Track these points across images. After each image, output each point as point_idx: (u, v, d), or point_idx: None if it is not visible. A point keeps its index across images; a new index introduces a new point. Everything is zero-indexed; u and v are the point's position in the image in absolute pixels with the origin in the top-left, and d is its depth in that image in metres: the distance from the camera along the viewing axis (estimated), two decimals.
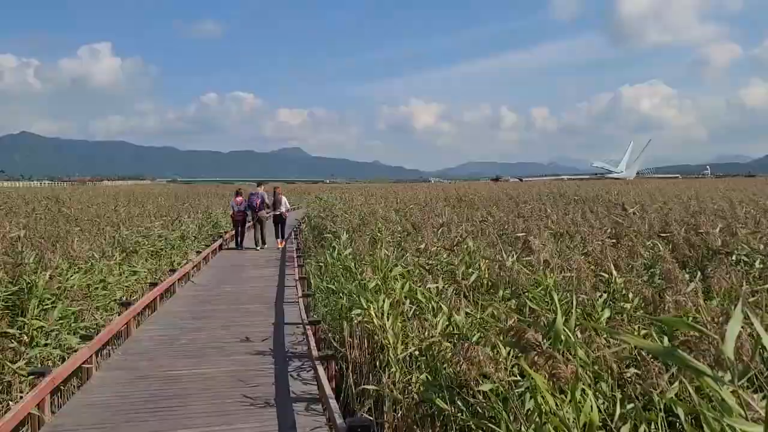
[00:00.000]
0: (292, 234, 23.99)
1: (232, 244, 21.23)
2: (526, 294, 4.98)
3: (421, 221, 14.37)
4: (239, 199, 20.32)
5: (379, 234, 13.96)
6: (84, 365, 7.29)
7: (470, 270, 7.40)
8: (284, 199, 20.88)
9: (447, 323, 5.06)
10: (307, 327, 8.25)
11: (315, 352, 6.94)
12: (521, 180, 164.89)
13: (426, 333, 5.22)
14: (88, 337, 7.74)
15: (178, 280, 13.76)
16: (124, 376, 7.53)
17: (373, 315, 5.88)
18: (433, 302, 5.73)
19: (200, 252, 17.22)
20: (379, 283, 7.07)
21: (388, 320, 5.53)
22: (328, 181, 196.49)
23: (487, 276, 6.90)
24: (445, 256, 8.67)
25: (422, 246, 9.14)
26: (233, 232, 21.16)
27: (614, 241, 10.43)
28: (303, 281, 12.30)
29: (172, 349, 8.69)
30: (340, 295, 8.67)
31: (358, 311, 7.04)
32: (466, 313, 5.09)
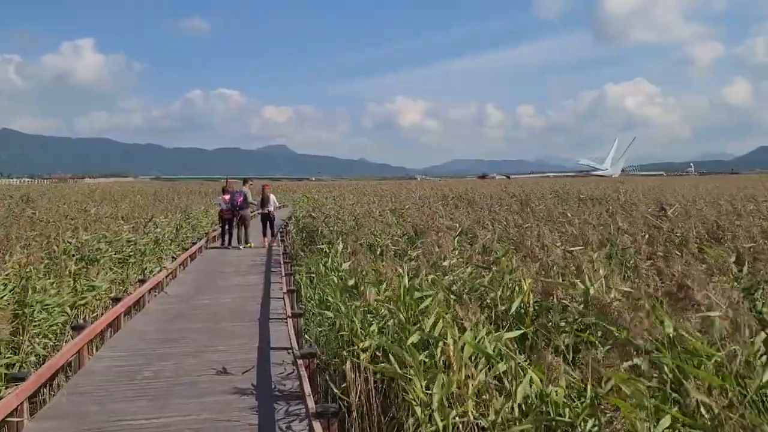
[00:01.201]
0: (279, 235, 22.63)
1: (218, 243, 20.41)
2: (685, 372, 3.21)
3: (423, 224, 12.80)
4: (227, 196, 19.38)
5: (378, 239, 12.39)
6: (10, 418, 5.64)
7: (504, 292, 5.80)
8: (272, 197, 20.18)
9: (530, 395, 3.46)
10: (299, 362, 6.63)
11: (311, 404, 5.33)
12: (508, 177, 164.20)
13: (486, 396, 3.62)
14: (19, 378, 6.07)
15: (150, 290, 12.10)
16: (63, 428, 5.87)
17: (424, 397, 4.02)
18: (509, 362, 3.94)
19: (177, 257, 15.53)
20: (404, 318, 5.45)
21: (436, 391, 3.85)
22: (314, 179, 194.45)
23: (531, 303, 5.32)
24: (468, 271, 7.08)
25: (444, 262, 7.42)
26: (218, 231, 20.41)
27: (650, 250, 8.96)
28: (292, 295, 10.66)
29: (131, 387, 7.03)
30: (339, 322, 7.07)
31: (366, 345, 5.46)
32: (569, 381, 3.44)
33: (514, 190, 29.37)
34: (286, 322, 8.88)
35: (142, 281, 11.67)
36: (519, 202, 20.17)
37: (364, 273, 7.26)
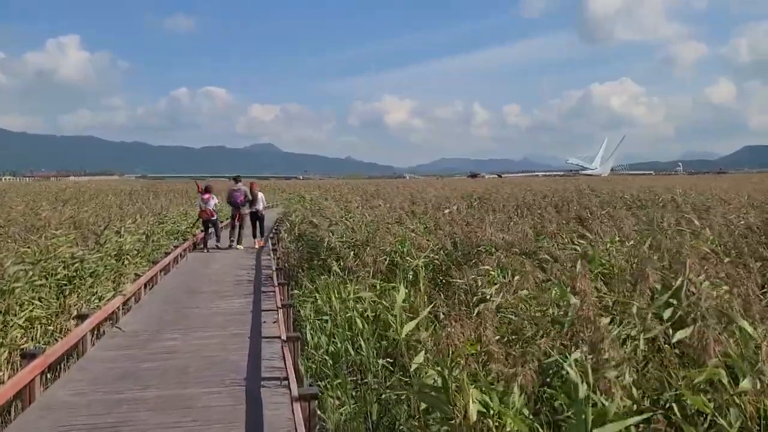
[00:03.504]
0: (269, 242, 19.57)
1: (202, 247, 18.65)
2: None
3: (466, 236, 9.59)
4: (207, 195, 18.01)
5: (406, 258, 9.13)
6: None
7: None
8: (261, 195, 18.97)
9: None
10: None
11: None
12: (500, 176, 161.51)
13: None
14: None
15: (96, 328, 8.81)
16: None
17: None
18: None
19: (143, 274, 12.20)
20: None
21: None
22: (301, 177, 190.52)
23: None
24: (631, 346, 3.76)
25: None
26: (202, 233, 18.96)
27: None
28: (295, 344, 7.28)
29: None
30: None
31: None
32: None
33: (538, 189, 25.79)
34: (291, 406, 5.55)
35: (80, 318, 8.31)
36: (554, 205, 16.90)
37: (447, 349, 3.87)
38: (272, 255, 16.17)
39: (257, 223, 19.06)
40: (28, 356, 6.49)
